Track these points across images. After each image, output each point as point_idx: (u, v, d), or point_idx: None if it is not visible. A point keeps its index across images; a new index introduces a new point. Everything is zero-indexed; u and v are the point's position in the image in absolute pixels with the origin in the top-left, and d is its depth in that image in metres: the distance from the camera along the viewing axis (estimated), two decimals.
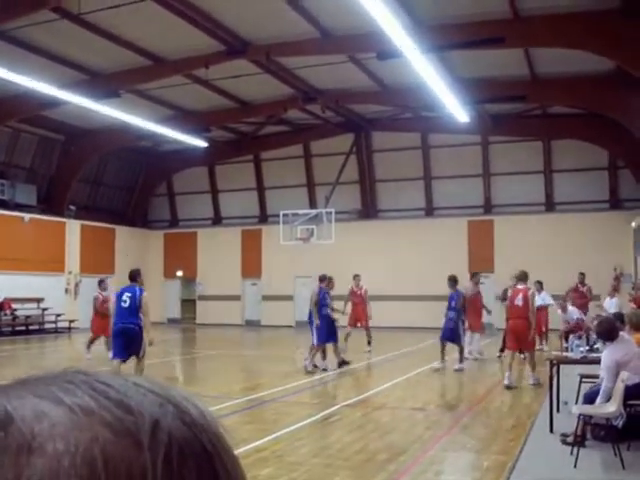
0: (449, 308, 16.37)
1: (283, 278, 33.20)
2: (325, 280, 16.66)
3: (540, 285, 19.31)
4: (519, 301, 13.58)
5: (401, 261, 31.75)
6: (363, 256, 32.15)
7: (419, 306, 30.01)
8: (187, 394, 0.56)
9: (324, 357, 15.86)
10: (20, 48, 20.73)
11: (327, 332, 15.83)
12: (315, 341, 15.76)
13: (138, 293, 12.56)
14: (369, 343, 20.10)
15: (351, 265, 31.72)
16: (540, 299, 18.62)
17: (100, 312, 18.14)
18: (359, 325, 20.39)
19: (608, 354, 8.14)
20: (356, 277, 20.95)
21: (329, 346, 16.08)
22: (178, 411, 0.53)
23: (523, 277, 14.07)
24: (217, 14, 19.40)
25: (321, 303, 16.14)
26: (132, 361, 12.24)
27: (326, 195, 31.22)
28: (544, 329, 19.15)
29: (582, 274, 22.14)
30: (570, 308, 18.04)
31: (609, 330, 8.37)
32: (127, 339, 12.40)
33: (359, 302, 20.60)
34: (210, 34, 20.37)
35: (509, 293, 14.43)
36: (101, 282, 19.38)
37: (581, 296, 20.70)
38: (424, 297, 30.45)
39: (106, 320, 16.78)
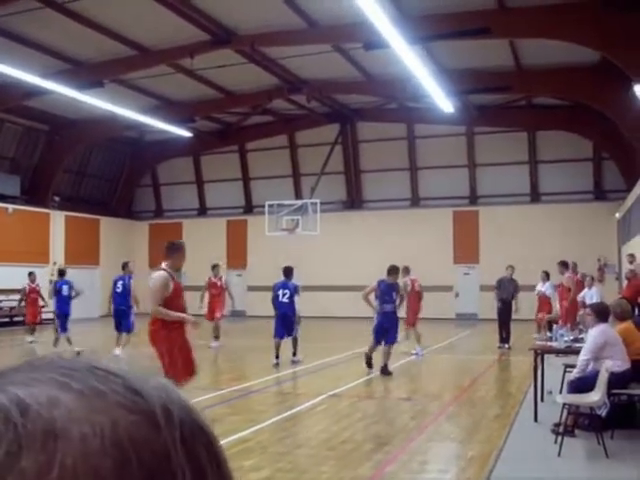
0: (391, 301, 14.16)
1: (268, 269, 33.10)
2: (393, 272, 14.42)
3: (547, 275, 19.51)
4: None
5: (386, 252, 31.75)
6: (348, 247, 32.22)
7: None
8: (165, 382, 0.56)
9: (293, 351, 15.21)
10: (2, 37, 20.52)
11: (382, 331, 13.97)
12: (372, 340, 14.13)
13: (127, 280, 16.52)
14: (216, 338, 18.91)
15: (336, 256, 31.80)
16: (545, 288, 19.00)
17: (29, 301, 21.14)
18: (216, 317, 19.04)
19: (600, 332, 8.22)
20: (215, 267, 19.75)
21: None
22: (175, 395, 0.54)
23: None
24: (202, 3, 19.29)
25: (383, 298, 14.08)
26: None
27: (311, 186, 31.19)
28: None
29: (574, 263, 22.15)
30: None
31: (606, 310, 8.55)
32: (119, 318, 16.30)
33: (217, 293, 19.45)
34: (195, 24, 20.24)
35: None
36: (30, 274, 22.04)
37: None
38: None
39: (34, 308, 21.19)
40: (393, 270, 14.41)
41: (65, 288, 17.95)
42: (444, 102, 23.79)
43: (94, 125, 29.62)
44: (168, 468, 0.48)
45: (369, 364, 14.10)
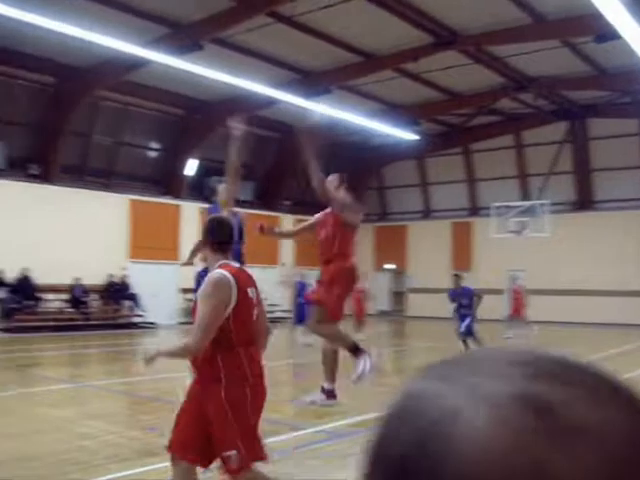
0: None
1: (494, 271, 32.49)
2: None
3: None
4: None
5: (622, 257, 30.03)
6: (577, 249, 30.87)
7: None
8: None
9: None
10: (237, 53, 21.84)
11: None
12: None
13: None
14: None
15: (566, 259, 30.57)
16: None
17: None
18: None
19: None
20: None
21: None
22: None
23: None
24: (425, 6, 19.36)
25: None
26: None
27: (539, 186, 30.28)
28: None
29: None
30: None
31: None
32: None
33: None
34: (418, 26, 20.37)
35: None
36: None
37: None
38: None
39: None
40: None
41: None
42: None
43: (320, 132, 30.52)
44: None
45: None
